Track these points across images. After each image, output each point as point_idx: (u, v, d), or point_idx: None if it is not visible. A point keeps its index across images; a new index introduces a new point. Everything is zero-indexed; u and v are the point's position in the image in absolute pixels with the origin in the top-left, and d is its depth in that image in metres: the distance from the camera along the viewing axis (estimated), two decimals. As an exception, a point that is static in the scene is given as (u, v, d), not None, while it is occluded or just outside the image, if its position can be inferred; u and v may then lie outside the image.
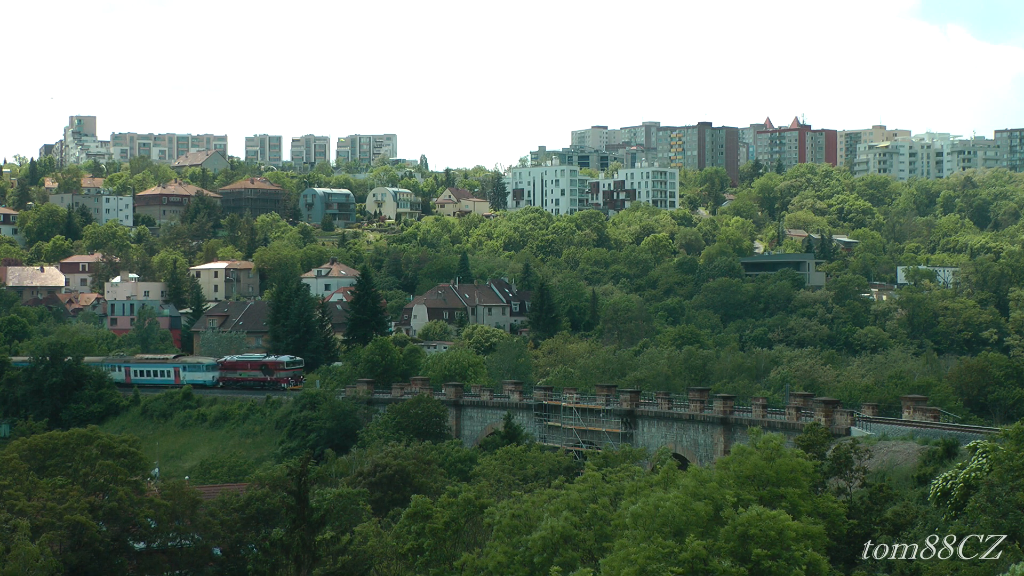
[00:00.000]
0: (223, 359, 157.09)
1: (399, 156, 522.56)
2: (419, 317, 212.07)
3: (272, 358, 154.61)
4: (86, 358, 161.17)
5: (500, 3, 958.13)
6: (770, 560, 41.24)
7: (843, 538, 50.19)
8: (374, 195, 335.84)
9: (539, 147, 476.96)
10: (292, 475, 60.06)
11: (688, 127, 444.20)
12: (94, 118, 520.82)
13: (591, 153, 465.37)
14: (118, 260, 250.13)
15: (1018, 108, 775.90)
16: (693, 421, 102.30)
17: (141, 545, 78.43)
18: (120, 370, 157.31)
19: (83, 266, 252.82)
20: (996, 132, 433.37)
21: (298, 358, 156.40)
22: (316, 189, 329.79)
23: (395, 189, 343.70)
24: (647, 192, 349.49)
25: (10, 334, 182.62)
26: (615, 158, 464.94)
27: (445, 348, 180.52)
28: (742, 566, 41.21)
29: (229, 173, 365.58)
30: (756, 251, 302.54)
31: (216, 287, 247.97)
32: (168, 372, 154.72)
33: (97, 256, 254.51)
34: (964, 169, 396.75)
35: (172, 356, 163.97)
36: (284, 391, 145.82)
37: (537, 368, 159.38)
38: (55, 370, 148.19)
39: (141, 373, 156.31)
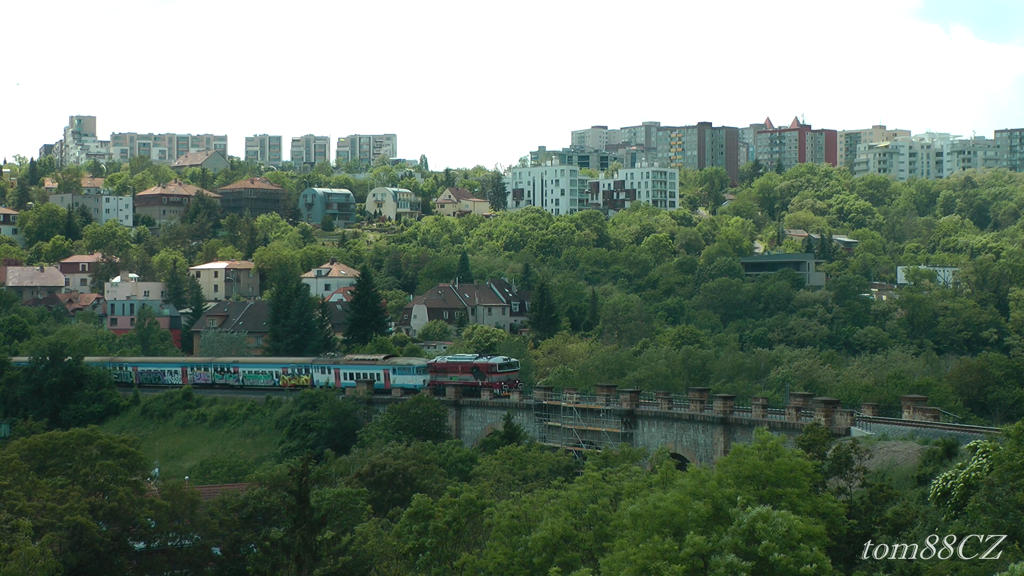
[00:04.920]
0: (433, 360, 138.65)
1: (399, 156, 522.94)
2: (419, 317, 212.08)
3: (484, 360, 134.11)
4: (291, 359, 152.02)
5: (500, 3, 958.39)
6: (778, 554, 41.13)
7: (843, 538, 50.19)
8: (374, 195, 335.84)
9: (539, 147, 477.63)
10: (293, 475, 60.06)
11: (688, 127, 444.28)
12: (94, 118, 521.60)
13: (591, 153, 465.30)
14: (118, 260, 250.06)
15: (1018, 108, 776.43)
16: (693, 421, 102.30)
17: (141, 545, 78.43)
18: (329, 372, 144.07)
19: (83, 266, 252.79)
20: (996, 132, 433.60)
21: (512, 359, 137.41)
22: (316, 189, 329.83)
23: (395, 189, 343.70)
24: (647, 192, 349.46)
25: (10, 334, 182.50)
26: (615, 158, 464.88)
27: (445, 348, 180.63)
28: (747, 561, 41.13)
29: (229, 173, 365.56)
30: (756, 251, 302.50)
31: (216, 287, 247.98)
32: (379, 375, 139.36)
33: (97, 256, 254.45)
34: (964, 169, 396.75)
35: (382, 357, 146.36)
36: (499, 397, 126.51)
37: (537, 368, 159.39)
38: (55, 370, 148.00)
39: (350, 376, 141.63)
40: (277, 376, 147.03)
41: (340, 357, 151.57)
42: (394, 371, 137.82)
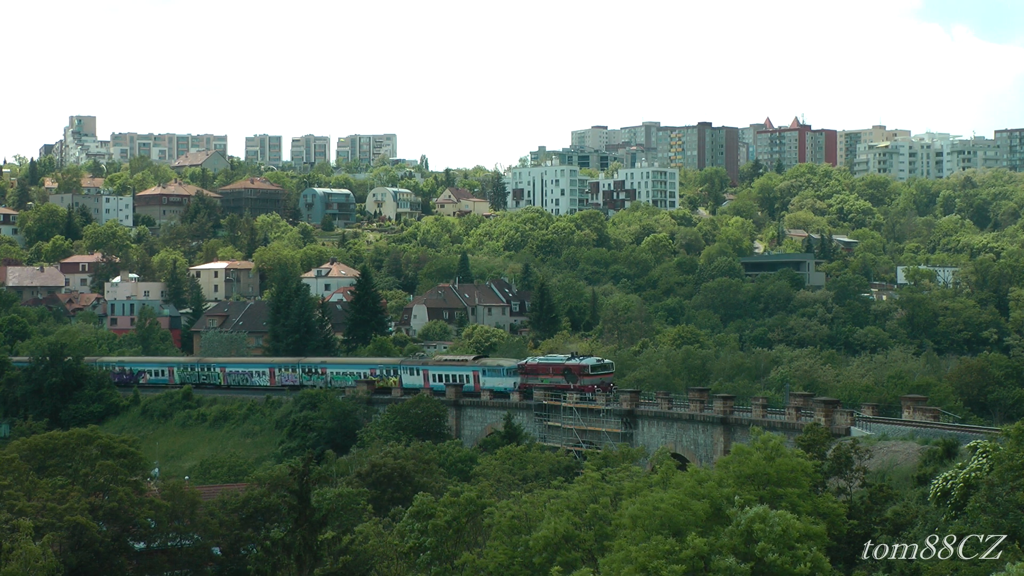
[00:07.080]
0: (524, 362, 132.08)
1: (399, 156, 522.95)
2: (419, 317, 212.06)
3: (576, 361, 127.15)
4: (379, 360, 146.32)
5: (500, 3, 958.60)
6: (774, 554, 41.19)
7: (843, 538, 50.21)
8: (374, 195, 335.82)
9: (539, 147, 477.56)
10: (294, 475, 60.08)
11: (688, 127, 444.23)
12: (94, 118, 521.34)
13: (591, 153, 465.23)
14: (118, 260, 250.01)
15: (1018, 108, 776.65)
16: (693, 421, 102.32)
17: (141, 545, 78.41)
18: (418, 373, 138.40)
19: (83, 266, 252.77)
20: (996, 132, 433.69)
21: (606, 361, 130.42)
22: (316, 189, 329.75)
23: (395, 189, 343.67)
24: (647, 192, 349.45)
25: (10, 334, 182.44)
26: (615, 158, 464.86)
27: (445, 348, 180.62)
28: (745, 563, 41.19)
29: (229, 173, 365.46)
30: (756, 251, 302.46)
31: (216, 287, 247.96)
32: (468, 377, 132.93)
33: (97, 256, 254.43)
34: (964, 169, 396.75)
35: (472, 358, 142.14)
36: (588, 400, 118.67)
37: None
38: (55, 370, 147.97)
39: (439, 378, 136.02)
40: (365, 377, 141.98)
41: (428, 358, 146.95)
42: (484, 372, 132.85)
